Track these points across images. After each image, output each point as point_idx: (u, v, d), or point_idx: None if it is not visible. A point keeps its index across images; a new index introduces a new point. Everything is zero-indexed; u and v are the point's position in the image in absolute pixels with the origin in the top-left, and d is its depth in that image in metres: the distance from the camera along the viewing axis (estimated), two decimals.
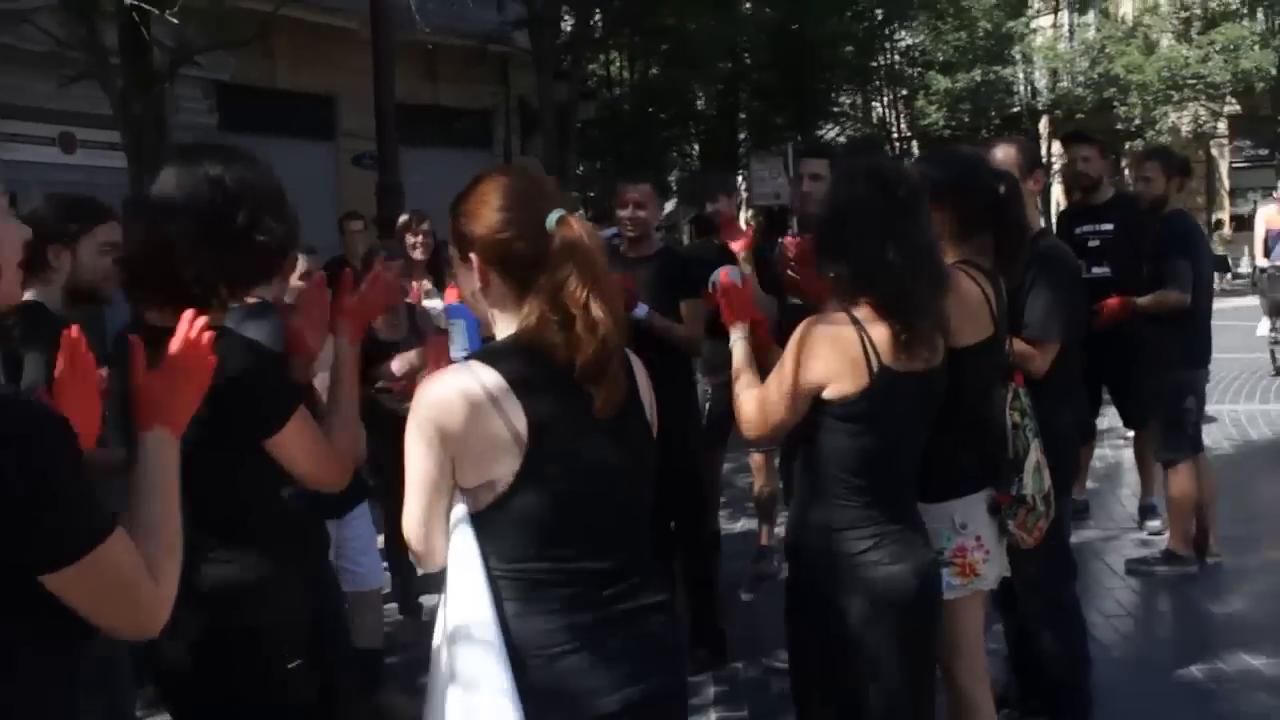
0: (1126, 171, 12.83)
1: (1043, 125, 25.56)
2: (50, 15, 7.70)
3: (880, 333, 2.23)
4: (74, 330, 1.53)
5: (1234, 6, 20.37)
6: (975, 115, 26.52)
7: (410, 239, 5.51)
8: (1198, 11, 20.67)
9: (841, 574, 2.24)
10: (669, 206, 40.38)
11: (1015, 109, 26.14)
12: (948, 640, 2.58)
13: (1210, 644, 4.33)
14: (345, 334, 2.20)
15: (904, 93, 27.48)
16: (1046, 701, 3.51)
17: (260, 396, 1.92)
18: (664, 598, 1.82)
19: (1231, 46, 19.44)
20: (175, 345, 1.59)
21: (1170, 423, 5.02)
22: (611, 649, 1.69)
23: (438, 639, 1.75)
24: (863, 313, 2.26)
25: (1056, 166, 26.13)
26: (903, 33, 25.91)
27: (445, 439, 1.68)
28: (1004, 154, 3.49)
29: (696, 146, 32.00)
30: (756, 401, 2.38)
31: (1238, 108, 20.61)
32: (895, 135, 30.47)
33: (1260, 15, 20.15)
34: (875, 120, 30.16)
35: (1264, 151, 21.82)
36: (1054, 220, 12.42)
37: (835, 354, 2.23)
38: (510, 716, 1.60)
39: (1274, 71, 19.03)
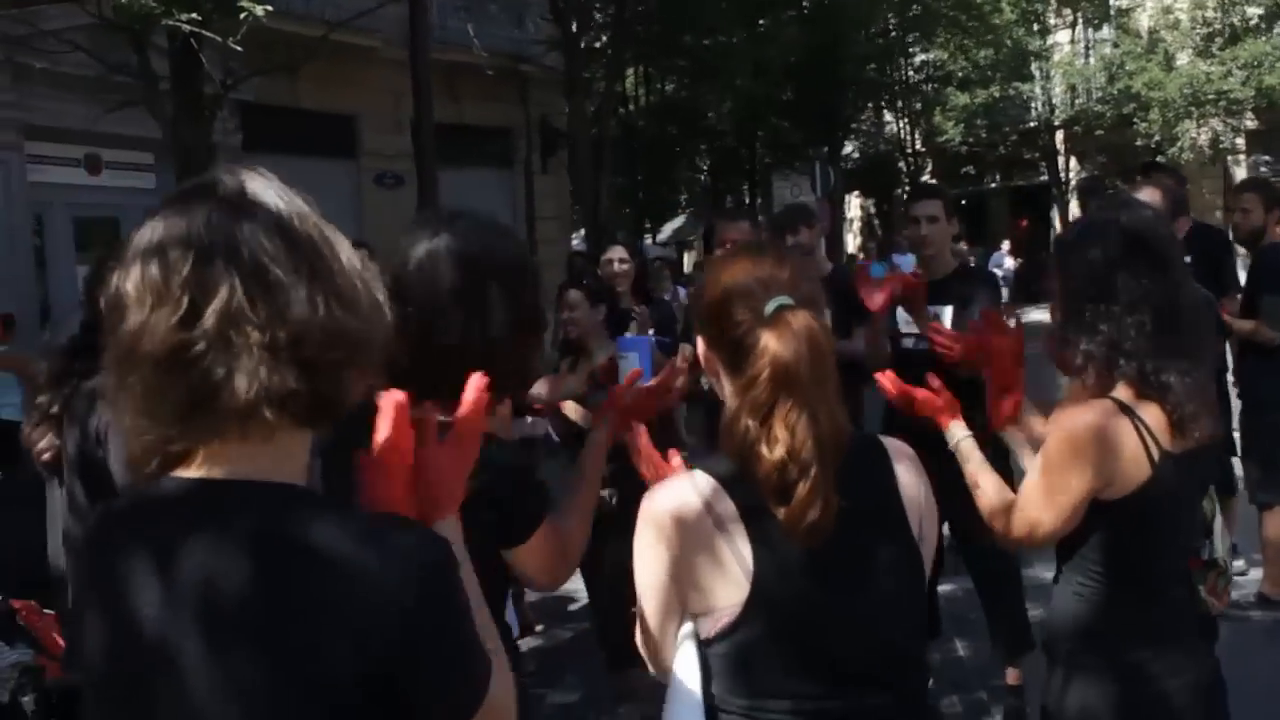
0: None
1: (1059, 141, 25.55)
2: (88, 37, 7.59)
3: (1154, 415, 1.96)
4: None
5: (1255, 22, 20.32)
6: (991, 131, 26.53)
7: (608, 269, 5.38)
8: (1218, 27, 20.60)
9: (1118, 687, 2.01)
10: (678, 223, 40.65)
11: (1032, 124, 26.13)
12: None
13: None
14: (604, 429, 1.98)
15: (919, 107, 27.44)
16: None
17: (511, 509, 1.67)
18: None
19: (1255, 63, 19.37)
20: (464, 414, 1.29)
21: (1267, 463, 4.89)
22: None
23: None
24: (1125, 394, 1.98)
25: (1074, 183, 26.18)
26: (918, 48, 25.92)
27: (672, 559, 1.54)
28: (1149, 195, 3.35)
29: (708, 162, 32.10)
30: (1014, 512, 2.08)
31: (1256, 122, 20.54)
32: (909, 151, 30.46)
33: None
34: (890, 136, 30.19)
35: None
36: None
37: (1110, 452, 1.94)
38: None
39: None
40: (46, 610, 4.37)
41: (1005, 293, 19.79)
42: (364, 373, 1.14)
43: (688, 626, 1.58)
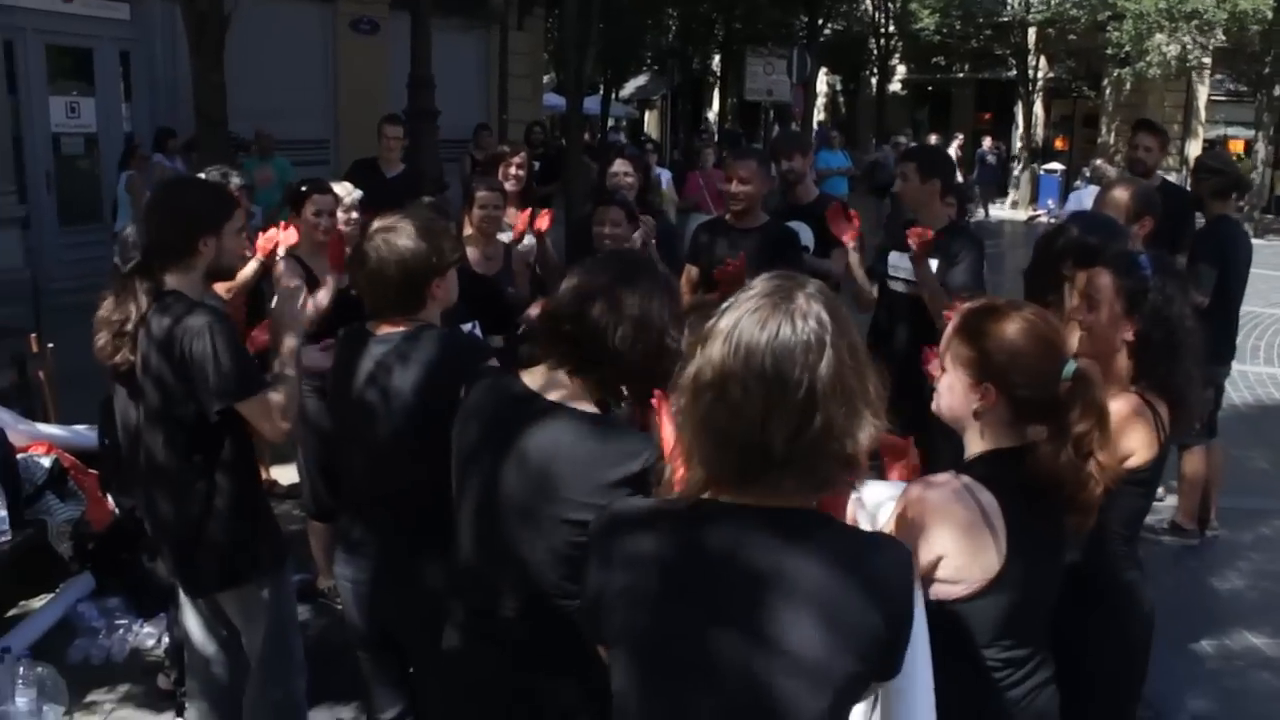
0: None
1: (1031, 38, 25.60)
2: None
3: (1164, 410, 2.55)
4: None
5: None
6: (965, 22, 26.45)
7: (503, 170, 5.61)
8: None
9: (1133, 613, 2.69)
10: (641, 81, 40.00)
11: (1005, 19, 26.08)
12: None
13: (1217, 620, 4.83)
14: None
15: None
16: None
17: None
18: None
19: None
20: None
21: None
22: None
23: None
24: (1146, 391, 2.57)
25: (1040, 84, 26.36)
26: None
27: (940, 541, 1.96)
28: (1120, 194, 3.75)
29: (675, 24, 31.56)
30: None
31: (1224, 41, 20.78)
32: (882, 33, 30.24)
33: None
34: (863, 17, 29.91)
35: (1244, 88, 22.11)
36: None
37: (1141, 431, 2.51)
38: None
39: (1269, 15, 19.18)
40: (90, 470, 4.76)
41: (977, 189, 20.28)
42: None
43: None
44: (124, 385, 3.32)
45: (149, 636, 4.35)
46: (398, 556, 2.61)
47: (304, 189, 4.49)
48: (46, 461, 4.49)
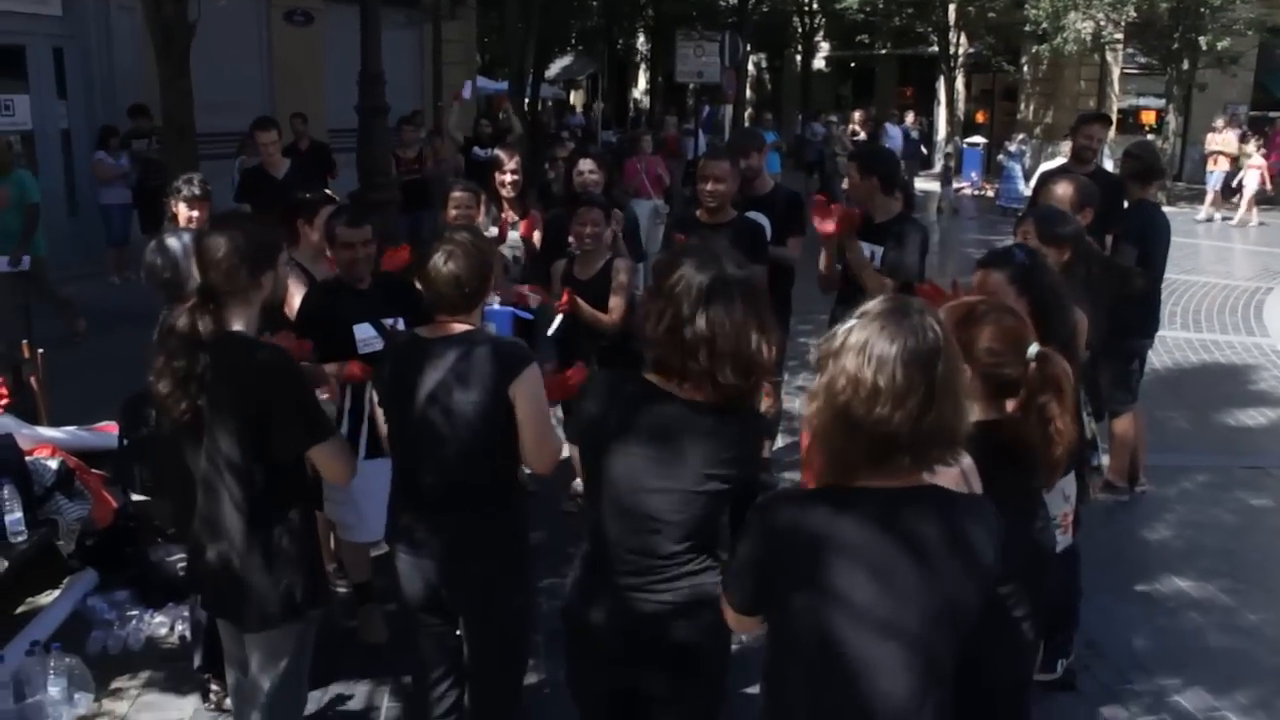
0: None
1: (951, 14, 26.23)
2: None
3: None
4: None
5: None
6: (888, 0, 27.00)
7: (499, 177, 5.82)
8: None
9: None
10: (566, 61, 39.97)
11: None
12: None
13: (1148, 568, 5.31)
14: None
15: None
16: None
17: None
18: None
19: None
20: None
21: (1119, 380, 5.90)
22: None
23: None
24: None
25: (961, 59, 27.02)
26: None
27: None
28: (1062, 190, 4.18)
29: (599, 5, 31.65)
30: None
31: (1136, 17, 21.53)
32: (807, 11, 30.73)
33: None
34: None
35: (1155, 62, 22.94)
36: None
37: None
38: None
39: None
40: (94, 470, 4.94)
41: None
42: None
43: None
44: (186, 432, 3.00)
45: (161, 625, 4.56)
46: (457, 535, 2.93)
47: (306, 199, 4.66)
48: (54, 464, 4.67)
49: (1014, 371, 2.42)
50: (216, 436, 2.86)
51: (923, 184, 24.30)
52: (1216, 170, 19.85)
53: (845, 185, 5.21)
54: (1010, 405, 2.46)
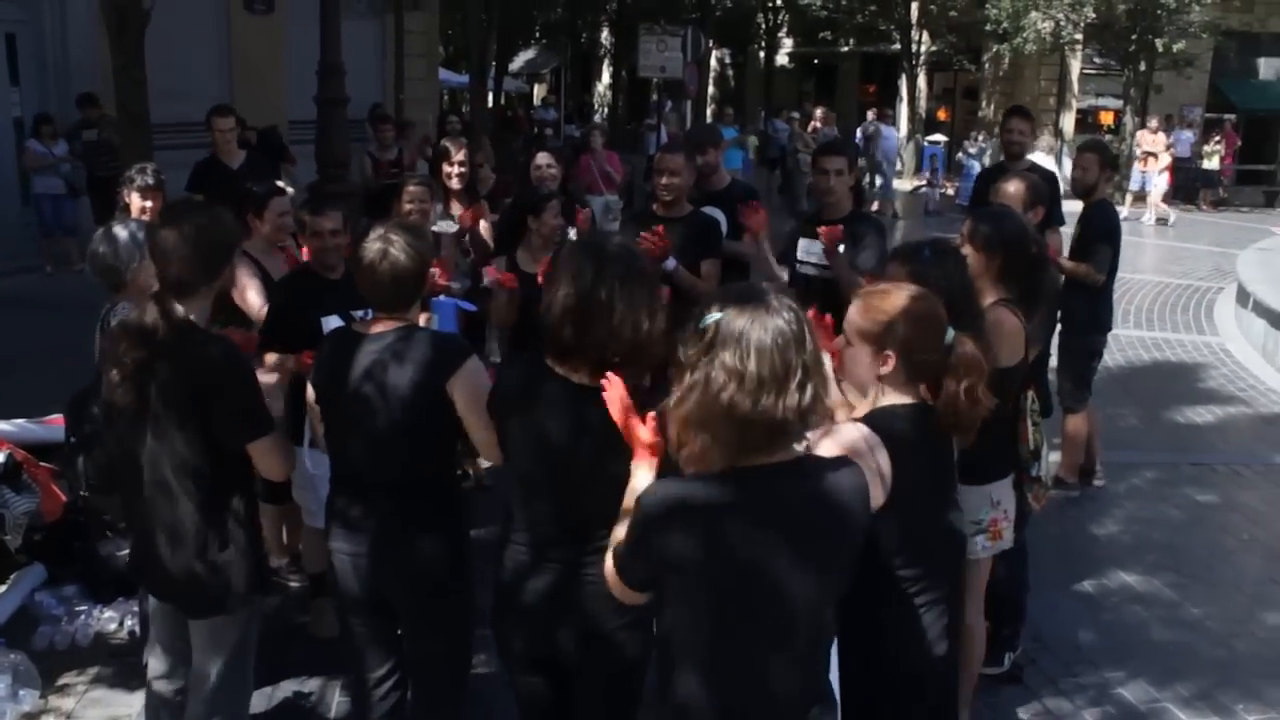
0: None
1: (914, 12, 26.38)
2: None
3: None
4: None
5: None
6: None
7: (446, 169, 5.82)
8: None
9: None
10: (530, 55, 39.79)
11: None
12: (969, 586, 3.41)
13: (1096, 562, 5.39)
14: None
15: None
16: (992, 615, 4.41)
17: None
18: None
19: None
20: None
21: (1077, 376, 5.99)
22: None
23: None
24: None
25: (923, 58, 27.21)
26: None
27: None
28: (1014, 189, 4.23)
29: None
30: None
31: (1095, 18, 21.77)
32: (770, 6, 30.80)
33: None
34: None
35: (1113, 62, 23.22)
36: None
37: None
38: None
39: None
40: (43, 464, 4.88)
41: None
42: None
43: None
44: (134, 421, 2.93)
45: (110, 621, 4.52)
46: (393, 530, 2.91)
47: (261, 192, 4.63)
48: (1, 457, 4.61)
49: (933, 353, 2.56)
50: (164, 425, 2.86)
51: (902, 184, 24.47)
52: (1149, 171, 20.08)
53: (809, 182, 5.25)
54: (923, 389, 2.60)
